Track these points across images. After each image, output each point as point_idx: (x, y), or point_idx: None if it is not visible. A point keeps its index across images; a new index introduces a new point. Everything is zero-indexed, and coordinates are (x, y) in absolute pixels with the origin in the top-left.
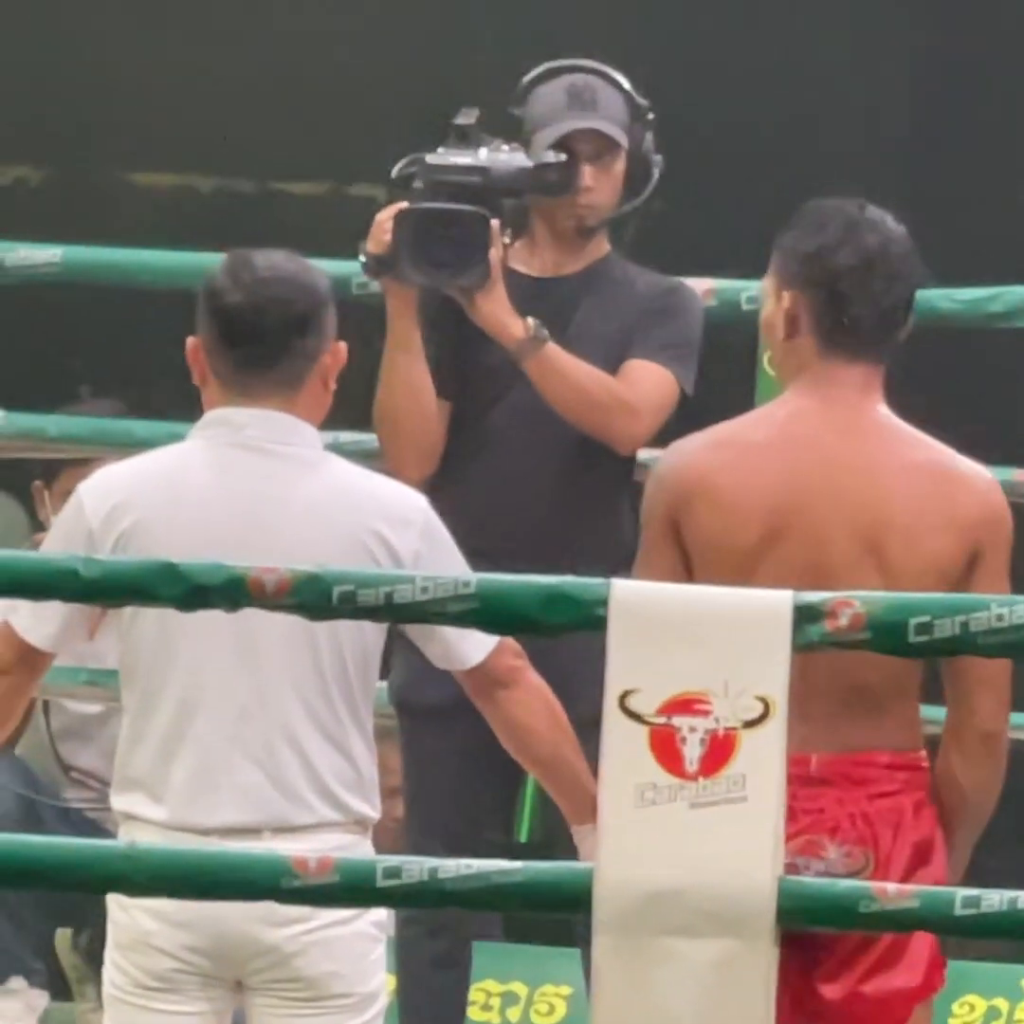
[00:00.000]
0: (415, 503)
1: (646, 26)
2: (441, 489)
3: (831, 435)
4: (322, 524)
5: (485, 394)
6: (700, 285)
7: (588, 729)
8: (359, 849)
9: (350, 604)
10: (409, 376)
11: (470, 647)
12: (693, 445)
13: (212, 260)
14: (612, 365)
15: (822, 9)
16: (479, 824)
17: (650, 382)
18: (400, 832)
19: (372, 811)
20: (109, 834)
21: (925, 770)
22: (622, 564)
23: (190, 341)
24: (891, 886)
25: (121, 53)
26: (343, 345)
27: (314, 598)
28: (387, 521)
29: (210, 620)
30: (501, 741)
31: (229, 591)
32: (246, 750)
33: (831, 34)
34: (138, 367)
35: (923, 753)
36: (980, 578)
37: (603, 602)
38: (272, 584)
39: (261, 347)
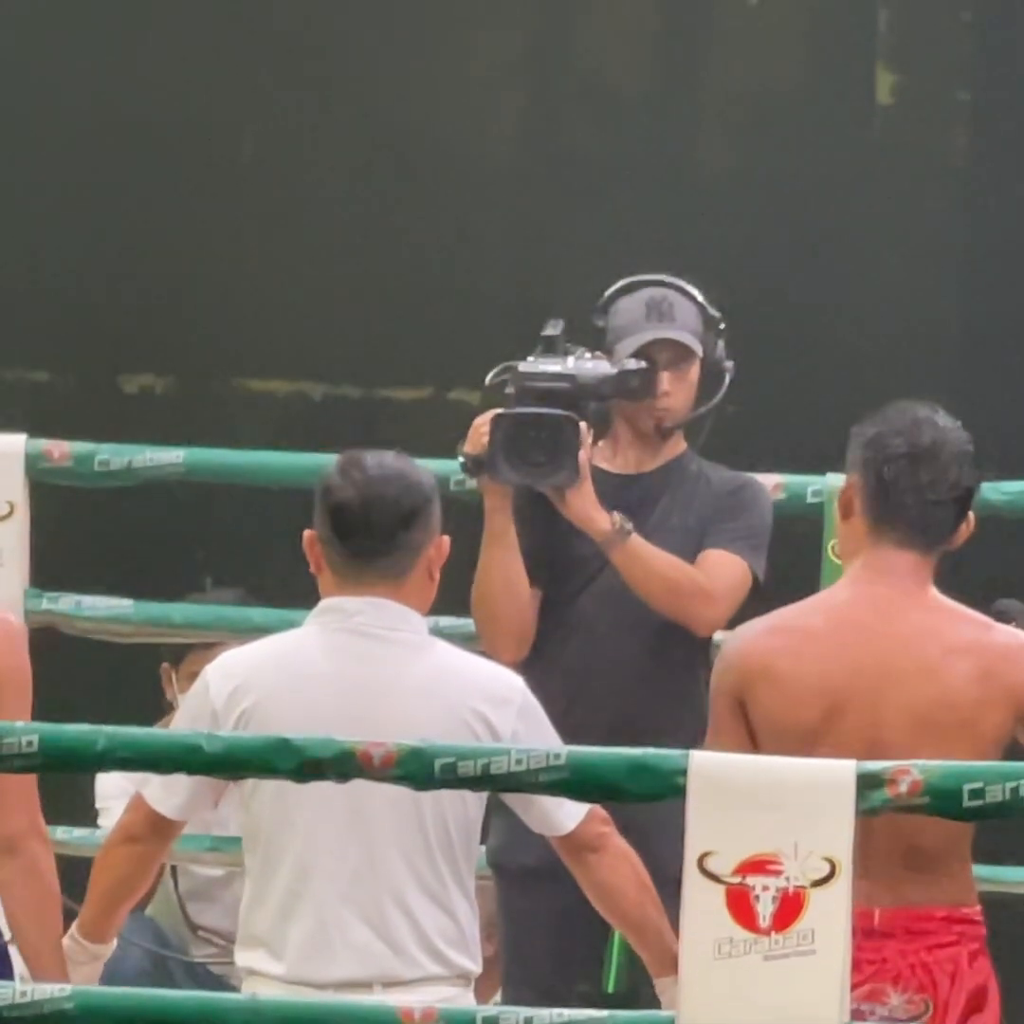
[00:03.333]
0: (513, 684)
1: (716, 245)
2: (533, 669)
3: (881, 621)
4: (427, 703)
5: (574, 582)
6: (770, 480)
7: (665, 886)
8: (462, 1001)
9: (451, 775)
10: (505, 566)
11: (563, 815)
12: (755, 631)
13: (322, 461)
14: (690, 554)
15: (880, 220)
16: (571, 977)
17: (725, 570)
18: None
19: (474, 966)
20: (233, 988)
21: (979, 923)
22: (699, 736)
23: (307, 533)
24: None
25: (237, 273)
26: (446, 539)
27: (418, 770)
28: (488, 701)
29: (324, 790)
30: (590, 900)
31: (340, 764)
32: (358, 910)
33: (887, 243)
34: (255, 559)
35: (978, 908)
36: None
37: (682, 772)
38: (379, 757)
39: (370, 540)
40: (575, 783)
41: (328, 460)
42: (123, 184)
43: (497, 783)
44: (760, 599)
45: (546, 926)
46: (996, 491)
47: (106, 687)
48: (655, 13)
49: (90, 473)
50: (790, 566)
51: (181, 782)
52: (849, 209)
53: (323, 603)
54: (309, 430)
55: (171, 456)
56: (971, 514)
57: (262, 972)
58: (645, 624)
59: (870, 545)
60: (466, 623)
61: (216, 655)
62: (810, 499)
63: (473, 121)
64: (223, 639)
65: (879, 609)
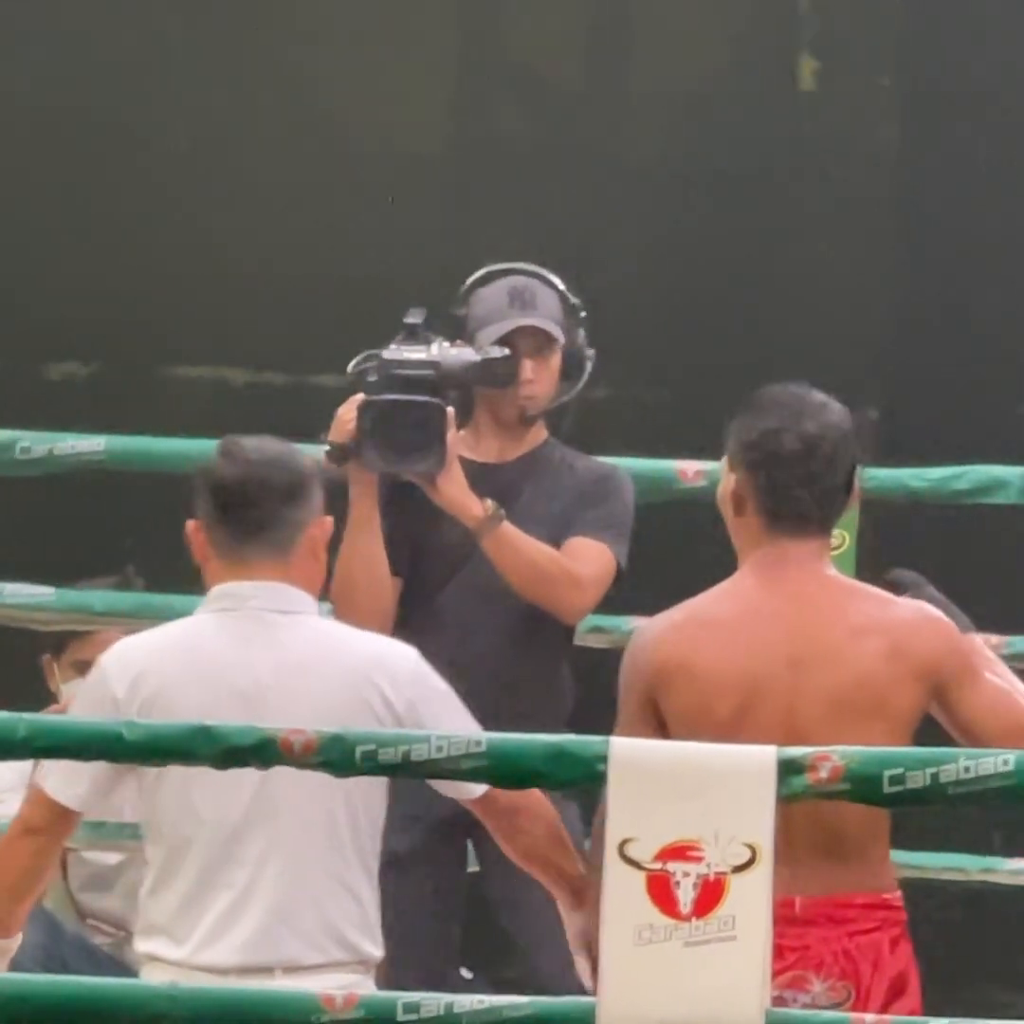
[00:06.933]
0: (406, 654)
1: (643, 234)
2: None
3: (788, 607)
4: (324, 682)
5: (439, 571)
6: (691, 466)
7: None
8: (363, 987)
9: (371, 762)
10: (368, 554)
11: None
12: (663, 624)
13: None
14: (554, 542)
15: (806, 207)
16: (452, 958)
17: (592, 558)
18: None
19: (376, 951)
20: (130, 969)
21: (900, 909)
22: (563, 724)
23: (190, 523)
24: (870, 1017)
25: (162, 260)
26: (329, 519)
27: (338, 757)
28: (383, 673)
29: (230, 777)
30: (506, 854)
31: (261, 751)
32: (262, 895)
33: (813, 229)
34: (177, 546)
35: (898, 893)
36: (968, 701)
37: (603, 758)
38: (300, 744)
39: (252, 513)
40: (495, 769)
41: None
42: (48, 172)
43: (418, 770)
44: (684, 585)
45: (423, 910)
46: (918, 478)
47: None
48: (581, 3)
49: (11, 461)
50: (711, 554)
51: (82, 772)
52: (774, 196)
53: (215, 589)
54: (234, 417)
55: (92, 444)
56: (856, 482)
57: (162, 958)
58: (511, 613)
59: (768, 538)
60: None
61: (98, 643)
62: None
63: (401, 110)
64: (145, 627)
65: (785, 596)
